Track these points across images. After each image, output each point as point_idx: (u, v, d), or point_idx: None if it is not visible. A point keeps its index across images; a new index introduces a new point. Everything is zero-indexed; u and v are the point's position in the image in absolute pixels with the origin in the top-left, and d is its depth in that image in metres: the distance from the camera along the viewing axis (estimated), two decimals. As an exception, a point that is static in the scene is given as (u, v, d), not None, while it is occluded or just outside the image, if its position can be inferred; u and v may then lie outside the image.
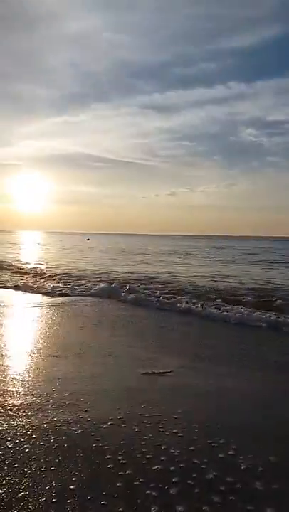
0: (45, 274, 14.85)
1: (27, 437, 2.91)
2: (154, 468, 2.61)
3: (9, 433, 2.96)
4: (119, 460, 2.67)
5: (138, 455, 2.74)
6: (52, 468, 2.54)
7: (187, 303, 8.41)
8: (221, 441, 2.96)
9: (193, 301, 8.74)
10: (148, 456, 2.74)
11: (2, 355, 4.87)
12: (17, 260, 21.61)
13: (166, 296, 9.53)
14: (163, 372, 4.45)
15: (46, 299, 9.72)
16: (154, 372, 4.44)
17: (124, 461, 2.66)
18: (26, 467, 2.54)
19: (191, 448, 2.87)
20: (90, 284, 11.59)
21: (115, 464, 2.63)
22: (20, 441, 2.85)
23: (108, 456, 2.71)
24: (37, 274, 14.89)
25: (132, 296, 9.34)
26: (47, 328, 6.51)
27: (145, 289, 10.46)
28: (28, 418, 3.23)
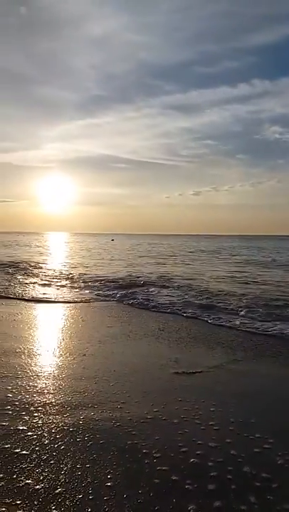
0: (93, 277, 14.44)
1: (62, 434, 2.94)
2: (190, 462, 2.59)
3: (44, 430, 3.00)
4: (155, 456, 2.66)
5: (174, 450, 2.73)
6: (87, 465, 2.55)
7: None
8: (258, 436, 2.94)
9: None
10: (184, 450, 2.73)
11: (35, 353, 4.94)
12: (79, 265, 21.49)
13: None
14: (193, 372, 4.42)
15: (79, 299, 9.83)
16: (184, 372, 4.42)
17: (160, 457, 2.64)
18: (62, 464, 2.56)
19: (227, 441, 2.85)
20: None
21: (151, 460, 2.62)
22: (55, 438, 2.88)
23: (144, 452, 2.71)
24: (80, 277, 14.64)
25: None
26: (75, 328, 6.59)
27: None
28: (63, 415, 3.26)
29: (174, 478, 2.42)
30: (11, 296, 9.72)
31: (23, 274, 15.19)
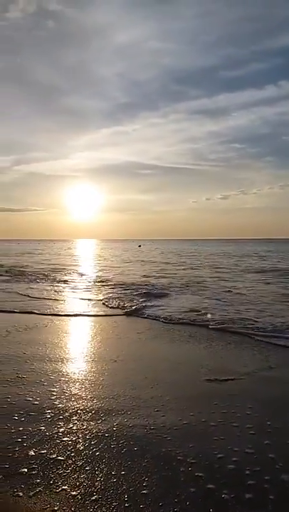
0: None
1: (96, 441, 2.95)
2: (226, 470, 2.55)
3: (79, 436, 3.02)
4: (191, 463, 2.63)
5: (209, 458, 2.69)
6: (122, 472, 2.55)
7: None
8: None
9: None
10: (220, 457, 2.70)
11: (68, 360, 5.01)
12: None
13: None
14: (225, 379, 4.35)
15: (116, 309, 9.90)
16: (216, 379, 4.36)
17: (195, 465, 2.61)
18: (97, 470, 2.57)
19: (264, 448, 2.80)
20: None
21: (186, 467, 2.59)
22: (90, 445, 2.89)
23: (179, 459, 2.68)
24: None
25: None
26: (105, 335, 6.64)
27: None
28: (96, 421, 3.28)
29: (210, 486, 2.39)
30: (46, 313, 9.87)
31: (61, 282, 15.46)
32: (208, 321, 7.70)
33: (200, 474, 2.51)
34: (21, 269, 21.07)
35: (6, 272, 19.32)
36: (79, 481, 2.45)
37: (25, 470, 2.56)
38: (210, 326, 7.24)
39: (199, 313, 8.47)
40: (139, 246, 75.45)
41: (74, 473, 2.53)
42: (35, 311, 8.67)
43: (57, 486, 2.40)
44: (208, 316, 8.14)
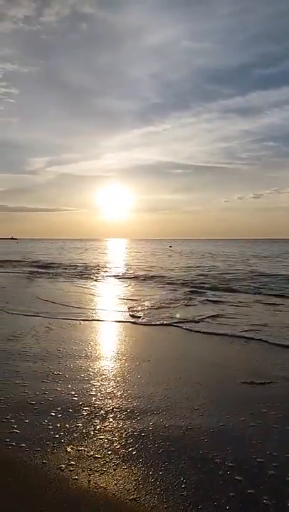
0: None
1: (132, 440, 2.95)
2: (267, 475, 2.49)
3: (115, 434, 3.03)
4: (229, 466, 2.58)
5: (248, 462, 2.63)
6: (160, 472, 2.54)
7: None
8: None
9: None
10: (259, 461, 2.64)
11: (103, 358, 5.05)
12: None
13: None
14: (262, 383, 4.26)
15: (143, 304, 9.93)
16: (253, 382, 4.27)
17: (234, 468, 2.56)
18: (135, 469, 2.56)
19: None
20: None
21: (225, 471, 2.54)
22: (126, 444, 2.90)
23: (217, 462, 2.64)
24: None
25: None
26: (138, 335, 6.65)
27: None
28: (132, 420, 3.28)
29: (250, 491, 2.33)
30: (89, 319, 9.99)
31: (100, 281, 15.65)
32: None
33: (239, 478, 2.46)
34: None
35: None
36: (116, 480, 2.46)
37: (63, 466, 2.59)
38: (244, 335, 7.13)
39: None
40: (170, 246, 75.27)
41: (111, 472, 2.54)
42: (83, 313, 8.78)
43: (95, 483, 2.42)
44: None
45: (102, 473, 2.52)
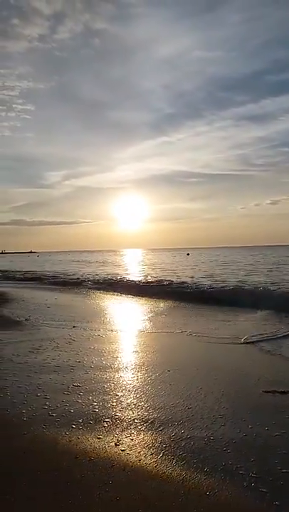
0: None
1: (154, 451, 2.91)
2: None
3: (136, 446, 3.00)
4: (255, 478, 2.53)
5: (273, 473, 2.57)
6: (182, 483, 2.51)
7: None
8: None
9: None
10: (284, 471, 2.58)
11: (121, 368, 5.05)
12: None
13: None
14: (285, 392, 4.17)
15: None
16: (275, 391, 4.19)
17: (260, 480, 2.51)
18: (157, 482, 2.54)
19: None
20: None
21: (250, 482, 2.49)
22: (147, 456, 2.86)
23: (241, 473, 2.59)
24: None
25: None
26: (157, 344, 6.62)
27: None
28: (153, 432, 3.24)
29: (277, 503, 2.28)
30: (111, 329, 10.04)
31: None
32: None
33: (264, 490, 2.41)
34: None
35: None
36: (140, 493, 2.43)
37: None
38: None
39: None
40: (188, 254, 75.07)
41: (134, 485, 2.52)
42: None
43: (116, 497, 2.40)
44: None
45: (124, 488, 2.50)
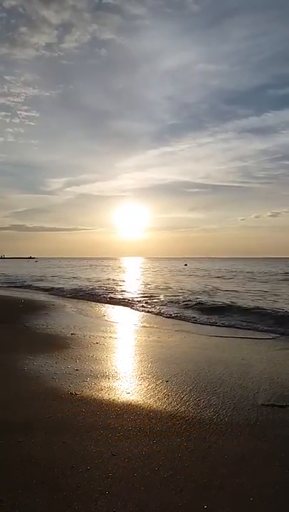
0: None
1: (147, 462, 2.83)
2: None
3: (134, 455, 2.92)
4: (264, 496, 2.48)
5: (280, 495, 2.53)
6: (184, 501, 2.46)
7: None
8: None
9: None
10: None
11: (118, 377, 5.01)
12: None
13: None
14: (283, 405, 4.14)
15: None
16: (273, 404, 4.16)
17: (269, 500, 2.45)
18: (151, 494, 2.50)
19: None
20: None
21: (258, 503, 2.45)
22: (144, 464, 2.82)
23: (249, 496, 2.54)
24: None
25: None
26: (156, 354, 6.59)
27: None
28: (149, 442, 3.16)
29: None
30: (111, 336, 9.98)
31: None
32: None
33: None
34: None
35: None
36: (137, 505, 2.39)
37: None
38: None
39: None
40: (185, 265, 75.04)
41: (131, 496, 2.47)
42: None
43: (126, 506, 2.35)
44: None
45: (131, 498, 2.46)
